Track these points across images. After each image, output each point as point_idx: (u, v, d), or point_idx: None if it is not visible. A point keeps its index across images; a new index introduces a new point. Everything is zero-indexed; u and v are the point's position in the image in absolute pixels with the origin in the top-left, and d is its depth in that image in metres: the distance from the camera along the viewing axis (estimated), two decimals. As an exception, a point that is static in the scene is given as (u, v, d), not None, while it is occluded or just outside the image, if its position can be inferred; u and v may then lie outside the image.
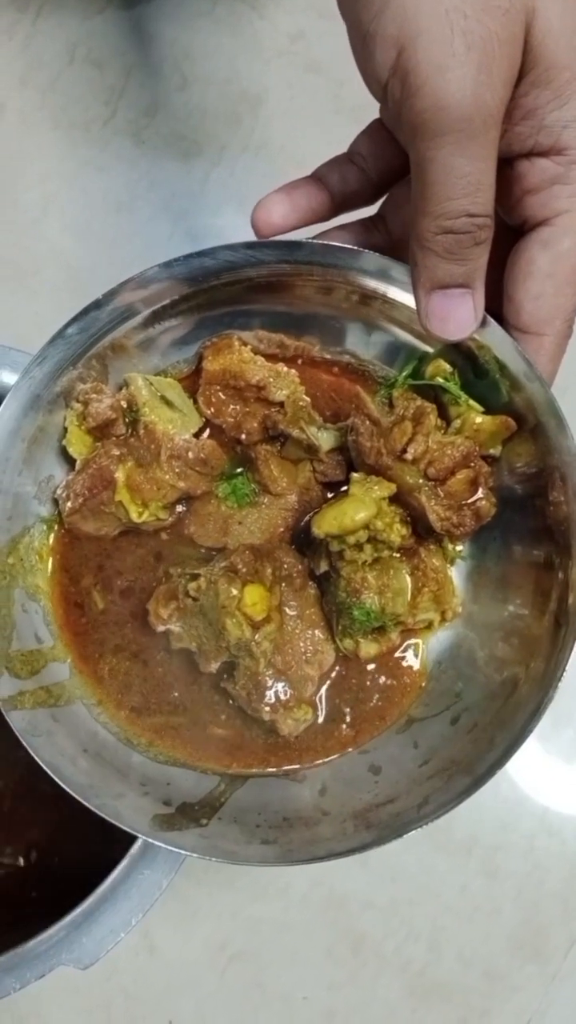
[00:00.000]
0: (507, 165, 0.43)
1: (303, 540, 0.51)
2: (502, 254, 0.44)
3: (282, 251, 0.46)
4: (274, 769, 0.50)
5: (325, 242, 0.46)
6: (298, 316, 0.50)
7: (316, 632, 0.50)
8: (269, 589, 0.48)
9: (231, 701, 0.50)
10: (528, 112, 0.41)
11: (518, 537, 0.49)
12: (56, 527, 0.51)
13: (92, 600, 0.51)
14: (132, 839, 0.50)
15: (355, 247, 0.46)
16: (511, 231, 0.44)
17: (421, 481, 0.47)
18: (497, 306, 0.45)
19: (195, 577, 0.48)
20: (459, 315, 0.43)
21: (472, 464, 0.47)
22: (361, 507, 0.46)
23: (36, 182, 0.70)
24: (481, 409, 0.47)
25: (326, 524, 0.46)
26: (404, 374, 0.49)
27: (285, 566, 0.50)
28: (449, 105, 0.37)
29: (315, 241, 0.46)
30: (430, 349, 0.48)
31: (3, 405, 0.46)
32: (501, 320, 0.44)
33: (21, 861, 0.60)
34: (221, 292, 0.48)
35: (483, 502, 0.47)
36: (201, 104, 0.71)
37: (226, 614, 0.46)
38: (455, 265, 0.41)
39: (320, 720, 0.50)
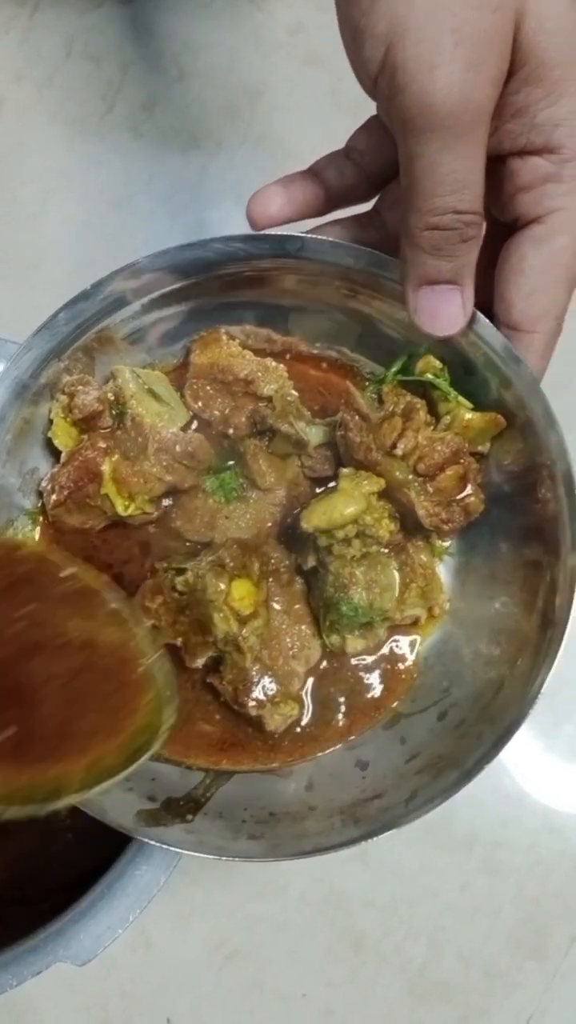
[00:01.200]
0: (499, 162, 0.43)
1: (290, 535, 0.51)
2: (494, 251, 0.44)
3: (276, 244, 0.46)
4: (267, 766, 0.50)
5: (320, 236, 0.46)
6: (288, 310, 0.50)
7: (303, 627, 0.50)
8: (256, 584, 0.48)
9: (219, 697, 0.50)
10: (519, 110, 0.41)
11: (505, 535, 0.49)
12: (40, 520, 0.51)
13: None
14: (130, 836, 0.50)
15: (350, 243, 0.45)
16: (503, 228, 0.44)
17: (410, 477, 0.47)
18: (488, 302, 0.45)
19: (182, 571, 0.48)
20: (447, 311, 0.43)
21: (461, 460, 0.47)
22: (350, 502, 0.46)
23: (34, 177, 0.70)
24: (470, 406, 0.47)
25: (315, 518, 0.46)
26: (394, 370, 0.49)
27: (272, 561, 0.49)
28: (436, 103, 0.37)
29: (310, 235, 0.46)
30: (421, 345, 0.48)
31: None
32: (492, 317, 0.44)
33: (14, 856, 0.60)
34: (212, 285, 0.48)
35: (472, 498, 0.47)
36: (200, 97, 0.71)
37: (213, 608, 0.46)
38: (443, 261, 0.41)
39: (307, 716, 0.50)
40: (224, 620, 0.46)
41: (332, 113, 0.70)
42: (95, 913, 0.49)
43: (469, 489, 0.47)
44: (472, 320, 0.44)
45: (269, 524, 0.51)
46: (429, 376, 0.47)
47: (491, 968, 0.64)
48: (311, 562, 0.48)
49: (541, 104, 0.40)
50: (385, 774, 0.48)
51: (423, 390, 0.48)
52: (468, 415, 0.47)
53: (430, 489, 0.47)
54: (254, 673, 0.48)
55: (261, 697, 0.48)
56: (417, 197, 0.39)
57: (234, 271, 0.47)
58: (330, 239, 0.46)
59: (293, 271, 0.47)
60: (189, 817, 0.47)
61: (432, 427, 0.47)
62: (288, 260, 0.46)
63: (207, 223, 0.70)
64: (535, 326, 0.43)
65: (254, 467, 0.50)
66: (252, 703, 0.48)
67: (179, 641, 0.48)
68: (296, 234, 0.45)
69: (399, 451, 0.46)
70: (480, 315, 0.44)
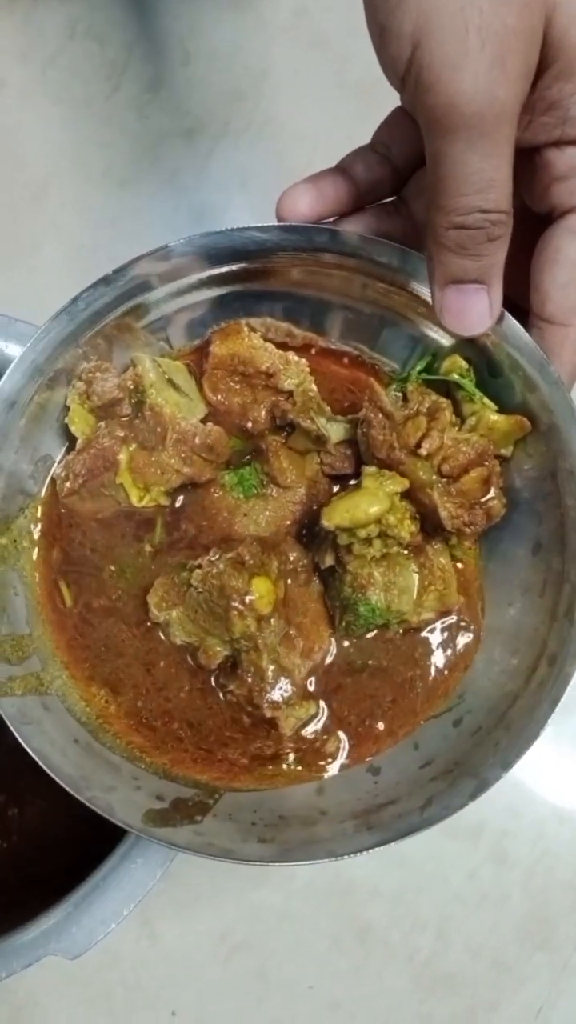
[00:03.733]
0: (534, 153, 0.43)
1: (308, 533, 0.50)
2: (528, 244, 0.44)
3: (319, 237, 0.45)
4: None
5: (361, 233, 0.45)
6: (314, 303, 0.49)
7: (319, 628, 0.49)
8: (274, 583, 0.47)
9: (229, 696, 0.49)
10: (552, 104, 0.40)
11: (523, 541, 0.48)
12: (49, 507, 0.50)
13: (81, 587, 0.50)
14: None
15: (392, 243, 0.45)
16: (537, 221, 0.44)
17: (434, 477, 0.46)
18: (519, 297, 0.45)
19: (198, 567, 0.47)
20: (474, 311, 0.42)
21: (486, 463, 0.46)
22: (374, 500, 0.45)
23: (37, 158, 0.69)
24: (495, 408, 0.47)
25: (337, 516, 0.45)
26: (419, 368, 0.48)
27: (291, 560, 0.49)
28: (461, 102, 0.36)
29: (351, 231, 0.45)
30: (445, 343, 0.48)
31: (4, 378, 0.45)
32: (521, 315, 0.44)
33: (6, 845, 0.59)
34: (238, 275, 0.47)
35: (494, 502, 0.47)
36: (205, 80, 0.70)
37: (232, 606, 0.45)
38: (469, 261, 0.41)
39: (323, 718, 0.49)
40: (242, 618, 0.45)
41: (336, 96, 0.70)
42: (88, 906, 0.49)
43: (492, 492, 0.47)
44: (499, 320, 0.43)
45: (288, 522, 0.50)
46: (455, 376, 0.47)
47: (499, 959, 0.64)
48: (328, 561, 0.47)
49: (574, 98, 0.40)
50: (398, 780, 0.48)
51: (446, 390, 0.48)
52: (493, 417, 0.46)
53: (453, 491, 0.46)
54: (270, 674, 0.47)
55: (276, 698, 0.47)
56: (443, 196, 0.39)
57: (262, 263, 0.47)
58: (372, 237, 0.45)
59: (324, 265, 0.47)
60: (198, 818, 0.46)
61: (457, 428, 0.47)
62: (321, 254, 0.46)
63: (211, 206, 0.69)
64: (571, 319, 0.43)
65: (276, 464, 0.49)
66: (267, 704, 0.47)
67: (194, 640, 0.48)
68: (338, 228, 0.45)
69: (424, 451, 0.45)
70: (508, 315, 0.44)
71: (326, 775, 0.49)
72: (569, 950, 0.64)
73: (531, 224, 0.44)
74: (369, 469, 0.47)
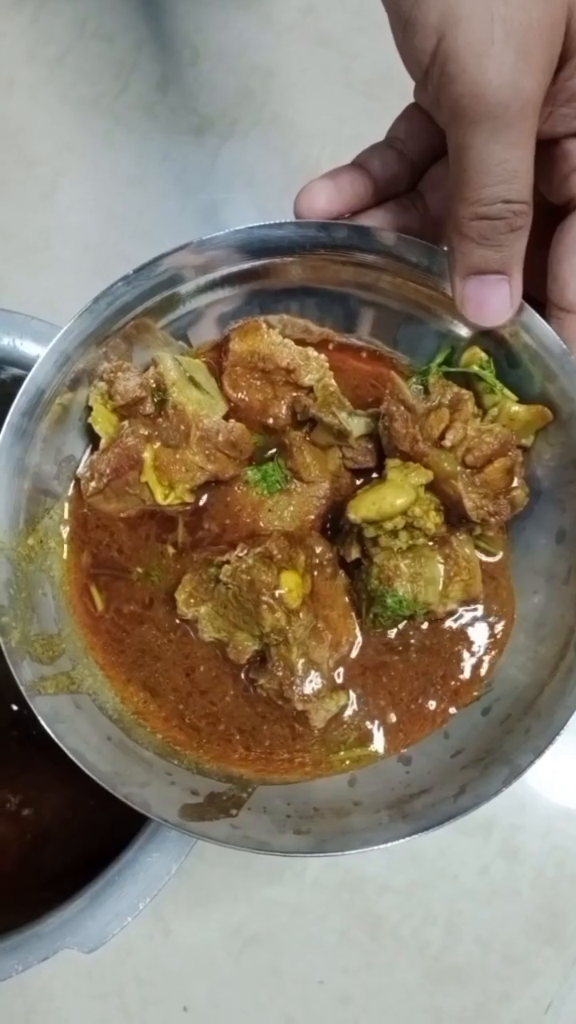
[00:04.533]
0: (553, 144, 0.43)
1: (332, 527, 0.50)
2: (545, 236, 0.44)
3: (341, 233, 0.45)
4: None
5: (369, 224, 0.46)
6: (333, 300, 0.50)
7: (347, 621, 0.49)
8: (302, 577, 0.47)
9: (260, 691, 0.49)
10: (572, 95, 0.41)
11: (546, 530, 0.49)
12: (75, 508, 0.50)
13: (111, 591, 0.50)
14: (140, 820, 0.49)
15: (415, 238, 0.45)
16: (554, 213, 0.44)
17: (458, 468, 0.46)
18: (536, 290, 0.45)
19: (225, 563, 0.47)
20: (495, 301, 0.43)
21: (509, 453, 0.46)
22: (400, 492, 0.45)
23: (46, 157, 0.69)
24: (516, 398, 0.47)
25: (363, 509, 0.45)
26: (439, 361, 0.49)
27: (316, 554, 0.49)
28: (486, 93, 0.37)
29: (384, 231, 0.46)
30: (465, 335, 0.48)
31: (28, 379, 0.45)
32: (539, 307, 0.44)
33: (22, 845, 0.59)
34: (259, 272, 0.48)
35: (518, 491, 0.47)
36: (212, 78, 0.70)
37: (262, 600, 0.45)
38: (491, 251, 0.41)
39: (353, 707, 0.49)
40: (272, 612, 0.46)
41: (343, 93, 0.70)
42: (104, 900, 0.49)
43: (516, 482, 0.47)
44: (519, 311, 0.44)
45: (312, 516, 0.51)
46: (475, 368, 0.47)
47: (510, 953, 0.64)
48: (354, 554, 0.48)
49: None
50: (429, 770, 0.48)
51: (466, 383, 0.48)
52: (514, 408, 0.47)
53: (477, 481, 0.46)
54: (300, 667, 0.47)
55: (307, 692, 0.47)
56: (466, 187, 0.39)
57: (287, 259, 0.47)
58: (408, 237, 0.45)
59: (345, 261, 0.47)
60: (233, 812, 0.46)
61: (480, 419, 0.47)
62: (344, 251, 0.46)
63: (220, 204, 0.69)
64: None
65: (299, 459, 0.50)
66: (298, 697, 0.47)
67: (224, 636, 0.48)
68: (362, 224, 0.46)
69: (447, 442, 0.46)
70: (527, 306, 0.44)
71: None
72: (579, 944, 0.64)
73: (546, 218, 0.44)
74: (393, 462, 0.47)
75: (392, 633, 0.49)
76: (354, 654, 0.49)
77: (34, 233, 0.69)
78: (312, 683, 0.48)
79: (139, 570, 0.50)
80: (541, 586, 0.49)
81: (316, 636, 0.48)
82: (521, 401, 0.47)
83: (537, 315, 0.44)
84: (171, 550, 0.50)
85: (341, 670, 0.49)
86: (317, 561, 0.49)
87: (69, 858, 0.58)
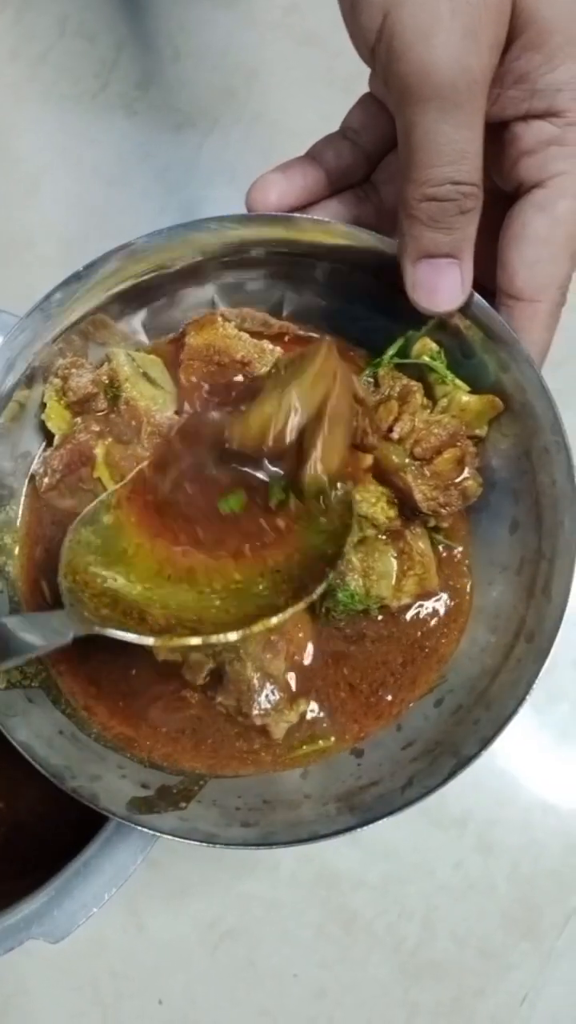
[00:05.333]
0: (502, 128, 0.43)
1: None
2: (495, 224, 0.44)
3: (277, 225, 0.45)
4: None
5: (318, 218, 0.46)
6: (286, 292, 0.50)
7: (300, 625, 0.49)
8: None
9: (219, 708, 0.49)
10: (520, 76, 0.40)
11: (503, 520, 0.49)
12: (31, 504, 0.50)
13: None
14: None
15: (365, 229, 0.45)
16: (501, 202, 0.44)
17: (407, 460, 0.46)
18: (487, 279, 0.44)
19: None
20: (446, 286, 0.42)
21: (459, 443, 0.46)
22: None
23: (28, 154, 0.70)
24: (468, 388, 0.47)
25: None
26: (391, 353, 0.48)
27: None
28: (433, 71, 0.36)
29: (307, 216, 0.45)
30: (418, 329, 0.48)
31: None
32: (489, 297, 0.44)
33: (2, 830, 0.60)
34: (208, 266, 0.48)
35: (469, 482, 0.47)
36: (194, 77, 0.71)
37: None
38: (441, 234, 0.41)
39: (314, 713, 0.49)
40: None
41: (327, 92, 0.70)
42: (70, 890, 0.49)
43: (467, 472, 0.47)
44: (469, 301, 0.43)
45: None
46: (426, 359, 0.47)
47: (485, 948, 0.64)
48: None
49: (542, 69, 0.40)
50: (381, 762, 0.48)
51: (419, 373, 0.48)
52: (465, 398, 0.46)
53: (427, 472, 0.46)
54: (256, 682, 0.47)
55: (266, 706, 0.47)
56: (414, 168, 0.39)
57: (233, 252, 0.47)
58: (358, 228, 0.45)
59: (296, 254, 0.47)
60: (183, 805, 0.46)
61: (429, 410, 0.47)
62: (292, 244, 0.46)
63: (201, 202, 0.70)
64: (539, 296, 0.43)
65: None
66: (257, 712, 0.47)
67: (178, 656, 0.47)
68: (297, 215, 0.45)
69: (396, 434, 0.46)
70: (477, 296, 0.43)
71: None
72: (554, 938, 0.64)
73: (496, 206, 0.43)
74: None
75: (349, 625, 0.49)
76: (307, 661, 0.49)
77: (16, 230, 0.69)
78: (269, 697, 0.47)
79: None
80: (496, 577, 0.49)
81: (270, 648, 0.47)
82: (473, 391, 0.47)
83: (487, 303, 0.44)
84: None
85: (294, 675, 0.49)
86: None
87: (43, 851, 0.58)
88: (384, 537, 0.47)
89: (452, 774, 0.44)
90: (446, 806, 0.65)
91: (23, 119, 0.70)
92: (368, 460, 0.46)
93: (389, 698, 0.49)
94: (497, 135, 0.42)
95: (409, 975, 0.64)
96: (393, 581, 0.47)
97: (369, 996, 0.64)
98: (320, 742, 0.49)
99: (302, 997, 0.63)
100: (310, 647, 0.49)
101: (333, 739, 0.49)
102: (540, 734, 0.66)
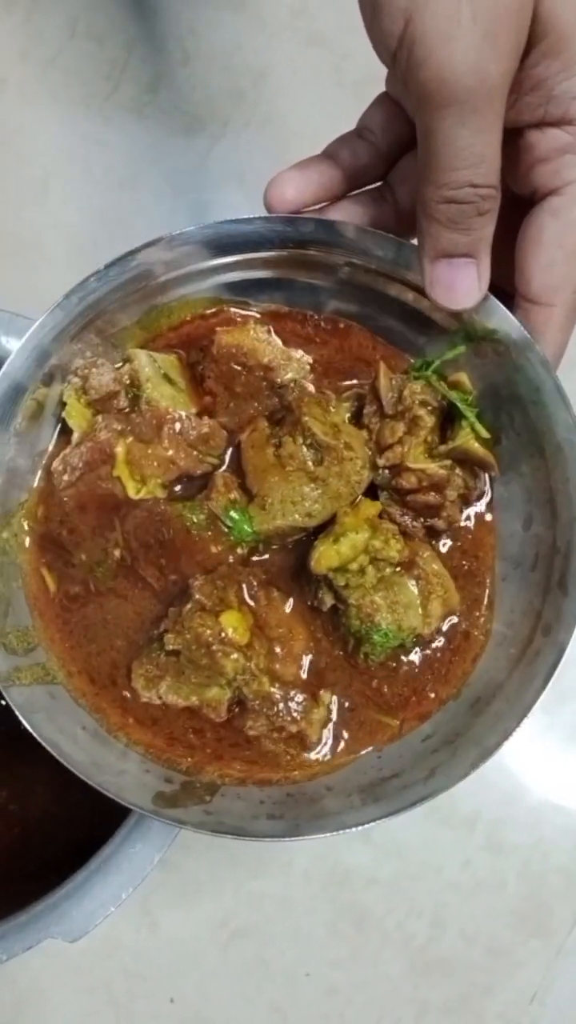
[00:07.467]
0: (517, 134, 0.43)
1: (302, 573, 0.49)
2: (512, 227, 0.44)
3: (308, 228, 0.46)
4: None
5: (363, 227, 0.46)
6: (320, 291, 0.50)
7: (296, 630, 0.49)
8: (239, 611, 0.47)
9: (252, 733, 0.49)
10: (538, 82, 0.41)
11: (514, 516, 0.50)
12: (44, 501, 0.50)
13: (68, 579, 0.50)
14: (124, 812, 0.50)
15: (385, 233, 0.46)
16: (518, 206, 0.45)
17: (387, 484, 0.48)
18: (504, 282, 0.45)
19: (164, 632, 0.47)
20: (463, 283, 0.43)
21: (433, 495, 0.47)
22: (356, 530, 0.46)
23: (37, 157, 0.70)
24: (486, 435, 0.47)
25: (325, 560, 0.46)
26: (434, 367, 0.49)
27: (244, 586, 0.48)
28: (453, 77, 0.37)
29: (351, 224, 0.46)
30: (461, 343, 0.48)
31: (0, 375, 0.46)
32: (506, 300, 0.45)
33: (10, 839, 0.60)
34: (231, 266, 0.48)
35: (439, 521, 0.48)
36: (204, 79, 0.71)
37: (214, 651, 0.46)
38: (459, 234, 0.42)
39: (334, 705, 0.49)
40: (228, 656, 0.46)
41: (336, 93, 0.70)
42: (88, 889, 0.49)
43: (439, 520, 0.48)
44: (484, 299, 0.44)
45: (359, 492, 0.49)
46: (455, 397, 0.47)
47: (494, 945, 0.65)
48: (329, 601, 0.48)
49: (559, 77, 0.41)
50: (401, 754, 0.48)
51: (447, 400, 0.48)
52: (474, 444, 0.47)
53: (403, 499, 0.48)
54: (276, 693, 0.47)
55: (296, 712, 0.47)
56: (434, 171, 0.40)
57: (260, 253, 0.47)
58: (379, 232, 0.46)
59: (316, 255, 0.48)
60: (207, 798, 0.46)
61: (432, 447, 0.47)
62: (312, 245, 0.47)
63: (211, 205, 0.70)
64: (554, 299, 0.44)
65: (315, 426, 0.48)
66: (290, 721, 0.47)
67: (195, 700, 0.47)
68: (338, 220, 0.46)
69: (382, 461, 0.47)
70: (492, 297, 0.44)
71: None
72: (564, 935, 0.65)
73: (513, 209, 0.44)
74: (342, 508, 0.47)
75: (386, 662, 0.49)
76: (311, 655, 0.49)
77: (25, 232, 0.69)
78: (294, 702, 0.48)
79: (83, 557, 0.50)
80: (510, 572, 0.49)
81: (276, 659, 0.48)
82: (482, 442, 0.47)
83: (502, 305, 0.45)
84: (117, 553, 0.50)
85: (305, 672, 0.49)
86: (246, 590, 0.48)
87: (55, 851, 0.59)
88: (399, 570, 0.47)
89: (474, 765, 0.44)
90: (455, 805, 0.65)
91: (32, 121, 0.70)
92: (375, 509, 0.47)
93: (418, 697, 0.50)
94: (512, 141, 0.43)
95: (419, 972, 0.64)
96: (419, 609, 0.47)
97: (379, 993, 0.64)
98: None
99: (314, 995, 0.64)
100: (313, 645, 0.49)
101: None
102: (549, 733, 0.67)
